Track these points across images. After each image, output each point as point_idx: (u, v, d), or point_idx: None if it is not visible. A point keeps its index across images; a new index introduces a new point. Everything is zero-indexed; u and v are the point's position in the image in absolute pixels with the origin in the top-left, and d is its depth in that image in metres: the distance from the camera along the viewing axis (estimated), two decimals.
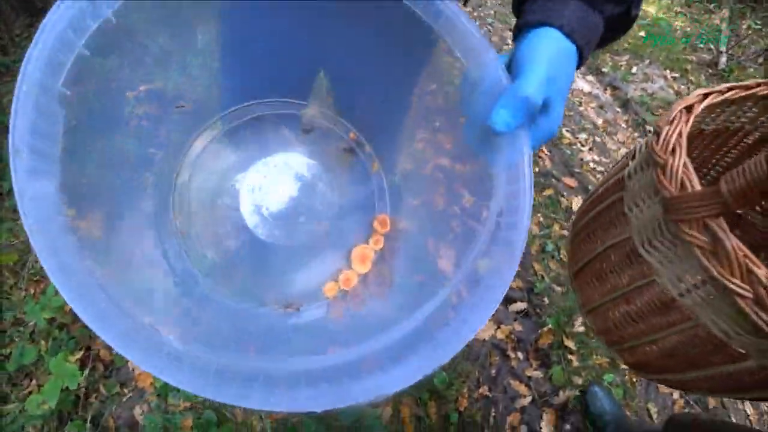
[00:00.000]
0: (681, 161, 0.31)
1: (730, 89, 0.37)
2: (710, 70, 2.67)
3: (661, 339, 0.36)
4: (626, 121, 2.40)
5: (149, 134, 0.46)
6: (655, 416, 1.23)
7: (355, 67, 0.50)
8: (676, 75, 2.68)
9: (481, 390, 1.14)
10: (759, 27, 2.92)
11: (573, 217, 0.45)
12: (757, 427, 1.27)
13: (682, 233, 0.29)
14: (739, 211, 0.58)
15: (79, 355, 1.08)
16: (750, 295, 0.27)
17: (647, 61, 2.86)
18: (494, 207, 0.37)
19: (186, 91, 0.48)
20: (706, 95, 0.36)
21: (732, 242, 0.28)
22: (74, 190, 0.33)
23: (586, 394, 1.15)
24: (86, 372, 1.06)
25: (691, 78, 2.63)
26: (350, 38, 0.45)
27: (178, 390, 0.99)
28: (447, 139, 0.52)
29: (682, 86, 2.56)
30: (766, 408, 1.32)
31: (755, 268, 0.27)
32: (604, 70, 2.75)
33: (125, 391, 1.07)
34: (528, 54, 0.36)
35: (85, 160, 0.39)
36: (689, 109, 0.35)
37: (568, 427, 1.16)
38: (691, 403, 1.28)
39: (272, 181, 0.50)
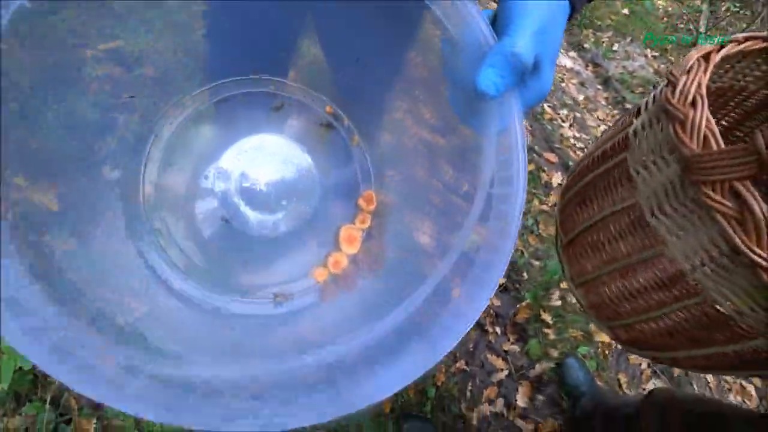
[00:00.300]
0: (704, 114, 0.27)
1: (747, 39, 0.33)
2: (690, 50, 2.67)
3: (661, 316, 0.33)
4: (606, 99, 2.40)
5: (111, 100, 0.40)
6: (624, 386, 1.26)
7: (335, 37, 0.45)
8: (656, 54, 2.68)
9: (458, 364, 1.13)
10: (737, 9, 2.93)
11: (566, 179, 0.41)
12: (717, 395, 1.32)
13: (703, 197, 0.26)
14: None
15: None
16: None
17: (629, 39, 2.85)
18: (484, 179, 0.33)
19: (151, 56, 0.42)
20: (723, 45, 0.32)
21: (762, 208, 0.24)
22: (26, 158, 0.30)
23: (561, 366, 1.16)
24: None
25: (671, 57, 2.63)
26: (329, 7, 0.40)
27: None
28: (428, 111, 0.48)
29: (662, 65, 2.56)
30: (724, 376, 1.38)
31: None
32: (586, 46, 2.72)
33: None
34: (516, 7, 0.32)
35: (39, 124, 0.34)
36: (706, 57, 0.31)
37: (542, 398, 1.18)
38: (658, 372, 1.32)
39: (248, 165, 0.46)
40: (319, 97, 0.49)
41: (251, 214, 0.45)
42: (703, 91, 0.29)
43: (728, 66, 0.39)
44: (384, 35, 0.43)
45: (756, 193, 0.24)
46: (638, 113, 0.35)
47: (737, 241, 0.24)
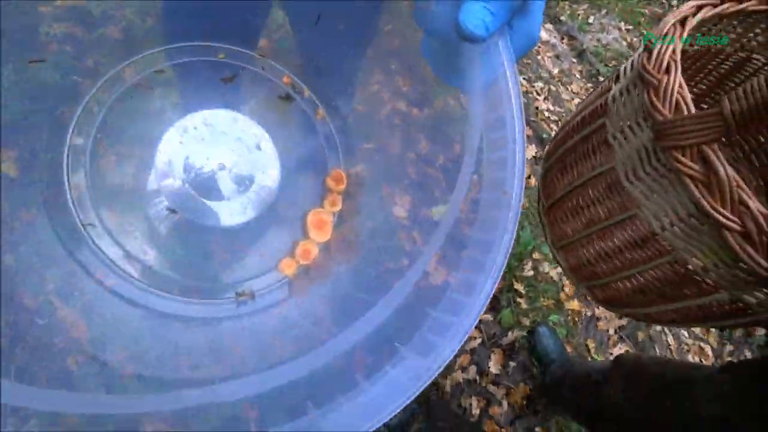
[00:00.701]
0: (676, 81, 0.28)
1: (723, 1, 0.34)
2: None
3: (635, 275, 0.34)
4: (581, 72, 2.42)
5: (71, 61, 0.36)
6: (593, 351, 1.33)
7: (304, 5, 0.40)
8: (630, 27, 2.70)
9: None
10: None
11: (548, 145, 0.41)
12: (677, 357, 1.42)
13: (673, 161, 0.27)
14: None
15: None
16: (739, 228, 0.26)
17: (604, 12, 2.86)
18: (471, 144, 0.28)
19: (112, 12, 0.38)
20: (700, 7, 0.33)
21: (727, 171, 0.25)
22: None
23: (533, 334, 1.20)
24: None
25: (644, 31, 2.66)
26: None
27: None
28: (404, 81, 0.45)
29: (635, 38, 2.60)
30: (684, 338, 1.47)
31: (748, 200, 0.25)
32: (561, 18, 2.72)
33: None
34: None
35: None
36: (683, 22, 0.32)
37: (514, 365, 1.23)
38: (624, 337, 1.39)
39: (194, 146, 0.39)
40: (276, 67, 0.43)
41: (202, 203, 0.39)
42: (677, 56, 0.29)
43: (705, 29, 0.40)
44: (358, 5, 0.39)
45: (721, 157, 0.25)
46: (617, 79, 0.35)
47: (703, 202, 0.26)
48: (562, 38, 2.58)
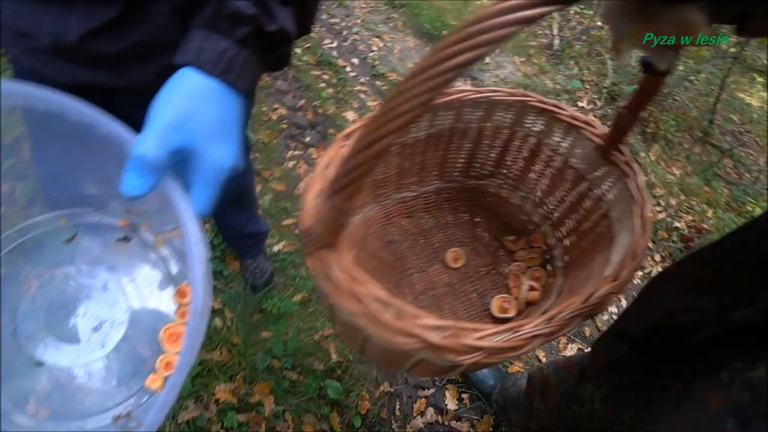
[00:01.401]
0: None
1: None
2: (548, 52, 3.04)
3: None
4: None
5: None
6: (543, 359, 1.40)
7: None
8: (523, 59, 3.02)
9: (382, 388, 1.23)
10: (581, 9, 3.37)
11: None
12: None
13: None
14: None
15: None
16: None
17: (498, 51, 3.19)
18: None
19: None
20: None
21: (337, 272, 0.35)
22: None
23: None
24: None
25: (535, 60, 2.98)
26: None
27: None
28: None
29: (528, 68, 2.90)
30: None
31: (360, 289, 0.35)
32: None
33: None
34: (152, 106, 0.33)
35: None
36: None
37: (468, 394, 1.27)
38: (572, 337, 1.48)
39: (47, 310, 0.45)
40: (108, 214, 0.49)
41: (67, 350, 0.44)
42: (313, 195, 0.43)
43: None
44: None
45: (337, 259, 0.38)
46: None
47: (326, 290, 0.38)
48: (466, 81, 2.86)
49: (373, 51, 2.93)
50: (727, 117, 2.75)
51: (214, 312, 1.22)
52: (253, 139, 1.79)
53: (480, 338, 0.35)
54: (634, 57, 0.41)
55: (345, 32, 3.03)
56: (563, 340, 1.48)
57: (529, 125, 0.64)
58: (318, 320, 1.30)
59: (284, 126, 2.00)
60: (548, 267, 0.67)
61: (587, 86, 2.81)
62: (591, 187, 0.61)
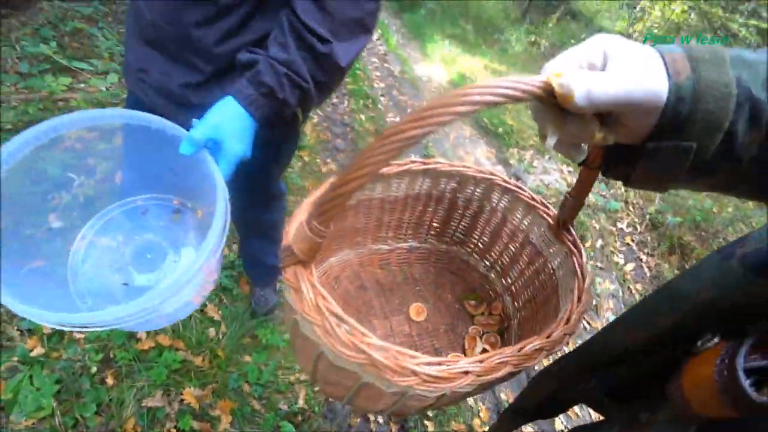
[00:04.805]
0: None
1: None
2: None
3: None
4: None
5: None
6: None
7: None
8: (570, 169, 3.11)
9: None
10: None
11: None
12: None
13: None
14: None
15: None
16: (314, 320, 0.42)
17: (547, 156, 3.31)
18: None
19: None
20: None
21: (307, 283, 0.43)
22: None
23: None
24: None
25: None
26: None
27: (23, 408, 1.02)
28: None
29: (574, 179, 2.97)
30: None
31: (323, 303, 0.42)
32: (511, 162, 3.16)
33: None
34: (207, 113, 0.60)
35: None
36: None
37: None
38: None
39: (130, 252, 0.70)
40: (167, 197, 0.74)
41: (141, 277, 0.68)
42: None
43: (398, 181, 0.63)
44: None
45: (305, 275, 0.45)
46: None
47: (295, 306, 0.45)
48: (510, 178, 2.98)
49: None
50: None
51: (211, 322, 1.31)
52: (298, 185, 1.97)
53: (417, 364, 0.40)
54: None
55: (409, 110, 3.35)
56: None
57: (496, 201, 0.71)
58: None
59: None
60: (505, 336, 0.70)
61: (630, 208, 2.79)
62: (546, 262, 0.65)
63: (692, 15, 6.68)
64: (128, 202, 0.72)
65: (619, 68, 0.30)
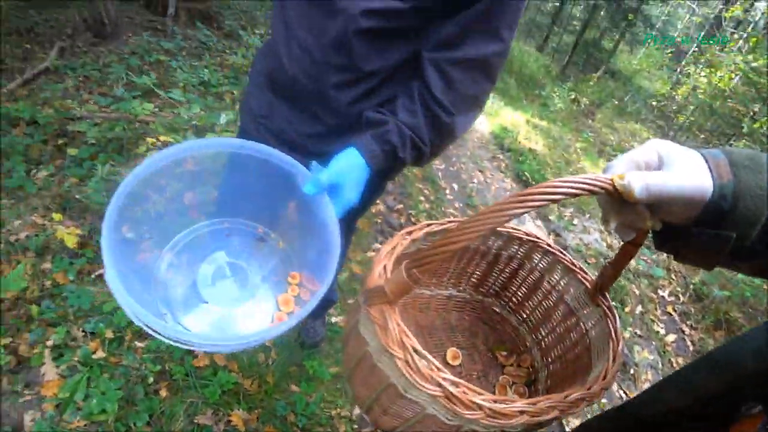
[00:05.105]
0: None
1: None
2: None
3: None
4: None
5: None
6: None
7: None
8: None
9: None
10: None
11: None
12: None
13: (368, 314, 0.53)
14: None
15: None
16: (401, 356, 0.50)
17: (587, 216, 3.29)
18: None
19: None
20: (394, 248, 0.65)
21: (391, 322, 0.51)
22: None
23: None
24: None
25: None
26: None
27: (79, 408, 1.08)
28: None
29: (614, 241, 2.92)
30: None
31: (405, 339, 0.50)
32: (550, 218, 3.16)
33: (26, 392, 1.08)
34: (332, 161, 0.68)
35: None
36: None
37: None
38: None
39: (211, 273, 0.77)
40: (253, 224, 0.80)
41: (221, 297, 0.73)
42: (389, 262, 0.60)
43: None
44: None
45: (390, 313, 0.53)
46: None
47: (382, 340, 0.52)
48: (550, 234, 2.97)
49: (473, 182, 3.25)
50: None
51: (263, 347, 1.38)
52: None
53: (484, 399, 0.47)
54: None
55: (454, 158, 3.45)
56: None
57: (536, 261, 0.77)
58: (341, 397, 1.38)
59: (378, 220, 2.30)
60: (532, 387, 0.73)
61: (673, 276, 2.70)
62: (578, 321, 0.70)
63: (738, 81, 6.58)
64: (216, 222, 0.80)
65: (673, 167, 0.37)
